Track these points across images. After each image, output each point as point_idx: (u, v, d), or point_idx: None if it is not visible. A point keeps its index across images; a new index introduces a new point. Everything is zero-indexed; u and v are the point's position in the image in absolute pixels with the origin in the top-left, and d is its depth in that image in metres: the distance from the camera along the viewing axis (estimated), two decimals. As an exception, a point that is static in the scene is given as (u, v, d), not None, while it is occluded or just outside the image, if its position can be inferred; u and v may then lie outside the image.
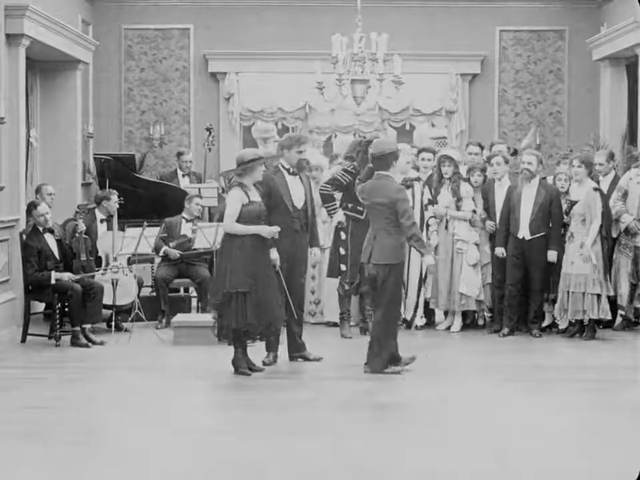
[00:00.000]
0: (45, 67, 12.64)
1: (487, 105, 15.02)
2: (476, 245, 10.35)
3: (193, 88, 14.90)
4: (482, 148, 11.27)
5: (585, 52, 14.29)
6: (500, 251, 10.10)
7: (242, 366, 8.20)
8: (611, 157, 10.66)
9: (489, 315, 10.59)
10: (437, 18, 14.76)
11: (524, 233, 10.01)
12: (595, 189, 9.79)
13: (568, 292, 9.74)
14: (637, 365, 8.75)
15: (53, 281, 9.53)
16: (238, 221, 8.12)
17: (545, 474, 5.75)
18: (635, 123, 12.91)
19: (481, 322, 10.66)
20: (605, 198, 9.94)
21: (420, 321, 10.50)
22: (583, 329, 9.89)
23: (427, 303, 10.59)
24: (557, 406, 7.33)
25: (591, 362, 8.90)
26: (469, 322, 10.64)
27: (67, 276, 9.63)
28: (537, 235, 9.99)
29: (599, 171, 10.38)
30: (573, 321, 9.92)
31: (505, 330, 10.06)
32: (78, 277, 9.72)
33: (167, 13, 14.77)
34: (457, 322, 10.45)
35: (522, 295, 10.12)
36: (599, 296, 9.62)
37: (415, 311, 10.47)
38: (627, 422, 6.85)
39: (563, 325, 10.16)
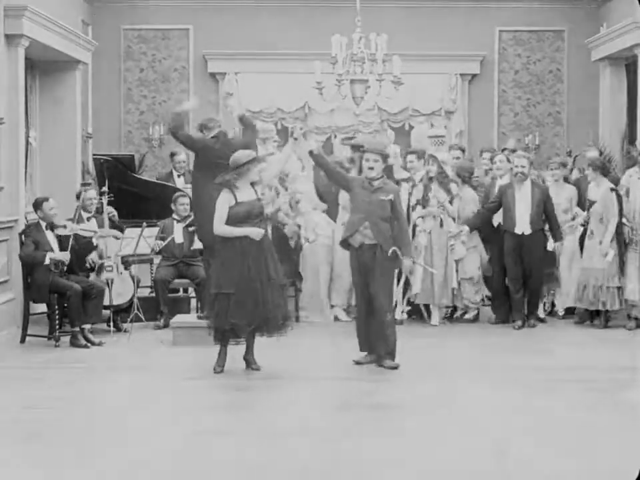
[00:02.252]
0: (44, 67, 12.63)
1: (487, 105, 15.02)
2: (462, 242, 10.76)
3: (192, 88, 14.90)
4: (463, 151, 12.00)
5: (584, 52, 14.30)
6: (465, 230, 10.61)
7: (218, 363, 8.45)
8: (600, 153, 11.56)
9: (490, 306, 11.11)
10: (437, 18, 14.77)
11: (523, 228, 10.54)
12: (612, 189, 10.38)
13: (584, 285, 10.44)
14: (637, 364, 8.75)
15: (47, 261, 9.50)
16: (226, 223, 8.23)
17: (544, 474, 5.75)
18: (634, 123, 12.91)
19: (468, 315, 11.04)
20: (620, 196, 10.43)
21: (401, 315, 10.70)
22: (592, 318, 10.60)
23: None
24: (557, 406, 7.32)
25: (591, 362, 8.90)
26: (451, 314, 11.06)
27: (60, 255, 9.59)
28: (536, 230, 10.54)
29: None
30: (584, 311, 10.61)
31: (519, 322, 10.56)
32: (66, 256, 9.62)
33: (166, 13, 14.77)
34: (436, 314, 10.80)
35: (524, 287, 10.68)
36: (618, 288, 10.33)
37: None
38: (627, 422, 6.86)
39: (561, 312, 10.98)
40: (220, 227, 8.28)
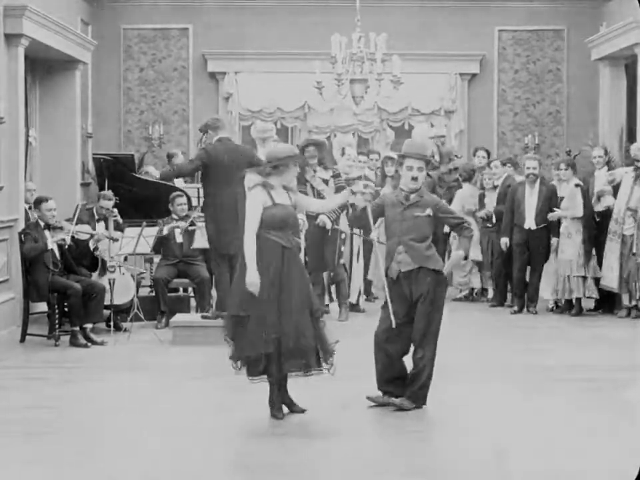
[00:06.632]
0: (44, 66, 12.64)
1: (486, 105, 15.02)
2: None
3: (191, 88, 14.90)
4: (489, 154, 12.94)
5: (584, 51, 14.29)
6: (505, 241, 11.61)
7: (274, 406, 7.00)
8: (606, 151, 11.99)
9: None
10: (436, 18, 14.76)
11: (530, 224, 11.51)
12: (576, 185, 11.28)
13: (558, 276, 11.33)
14: (637, 364, 8.75)
15: (50, 246, 9.52)
16: (260, 226, 6.84)
17: (544, 474, 5.75)
18: (633, 123, 12.92)
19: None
20: (586, 193, 11.32)
21: (363, 302, 11.62)
22: (571, 307, 11.37)
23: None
24: (557, 405, 7.33)
25: (590, 361, 8.90)
26: None
27: (61, 236, 9.60)
28: (541, 226, 11.47)
29: (598, 162, 11.77)
30: (563, 301, 11.44)
31: (516, 307, 11.58)
32: (68, 237, 9.65)
33: (166, 12, 14.77)
34: None
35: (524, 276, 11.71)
36: (584, 278, 11.16)
37: (359, 295, 11.53)
38: (627, 421, 6.86)
39: (550, 304, 11.71)
40: (250, 237, 6.84)
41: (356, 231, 11.08)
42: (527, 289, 11.63)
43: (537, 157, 11.95)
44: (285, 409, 7.05)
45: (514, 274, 11.65)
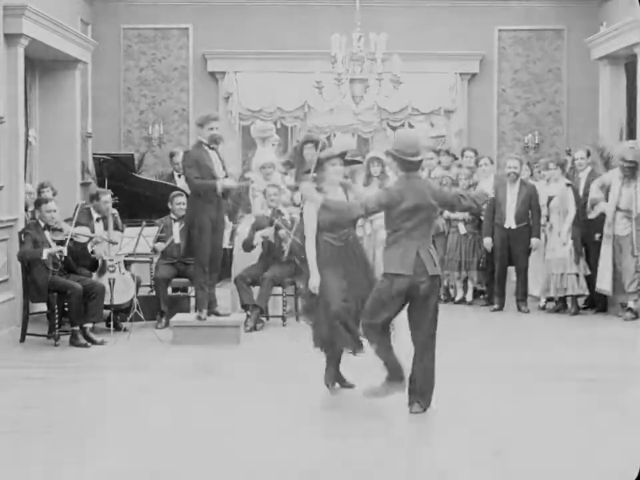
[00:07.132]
0: (43, 66, 12.64)
1: (486, 105, 15.03)
2: None
3: (191, 88, 14.90)
4: (455, 158, 13.03)
5: (584, 51, 14.29)
6: (488, 242, 11.60)
7: (327, 377, 7.69)
8: (588, 153, 11.90)
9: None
10: (436, 17, 14.77)
11: (510, 223, 11.54)
12: (568, 185, 11.35)
13: (549, 274, 11.28)
14: (635, 364, 8.75)
15: (44, 256, 9.49)
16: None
17: (544, 474, 5.75)
18: (633, 122, 12.92)
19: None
20: (577, 191, 11.35)
21: None
22: (565, 305, 11.41)
23: None
24: (557, 406, 7.33)
25: (590, 361, 8.89)
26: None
27: (57, 248, 9.59)
28: (521, 225, 11.50)
29: (580, 164, 11.71)
30: (557, 299, 11.46)
31: (497, 305, 11.64)
32: (65, 248, 9.64)
33: (165, 12, 14.78)
34: None
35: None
36: (577, 275, 11.18)
37: None
38: (627, 421, 6.86)
39: (542, 303, 11.77)
40: (310, 248, 7.38)
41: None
42: (516, 289, 11.64)
43: (518, 157, 12.08)
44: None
45: (495, 273, 11.68)
